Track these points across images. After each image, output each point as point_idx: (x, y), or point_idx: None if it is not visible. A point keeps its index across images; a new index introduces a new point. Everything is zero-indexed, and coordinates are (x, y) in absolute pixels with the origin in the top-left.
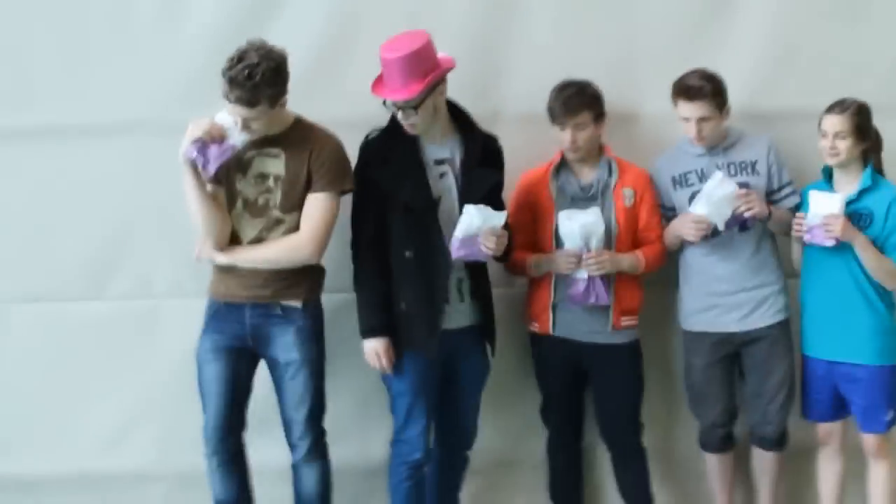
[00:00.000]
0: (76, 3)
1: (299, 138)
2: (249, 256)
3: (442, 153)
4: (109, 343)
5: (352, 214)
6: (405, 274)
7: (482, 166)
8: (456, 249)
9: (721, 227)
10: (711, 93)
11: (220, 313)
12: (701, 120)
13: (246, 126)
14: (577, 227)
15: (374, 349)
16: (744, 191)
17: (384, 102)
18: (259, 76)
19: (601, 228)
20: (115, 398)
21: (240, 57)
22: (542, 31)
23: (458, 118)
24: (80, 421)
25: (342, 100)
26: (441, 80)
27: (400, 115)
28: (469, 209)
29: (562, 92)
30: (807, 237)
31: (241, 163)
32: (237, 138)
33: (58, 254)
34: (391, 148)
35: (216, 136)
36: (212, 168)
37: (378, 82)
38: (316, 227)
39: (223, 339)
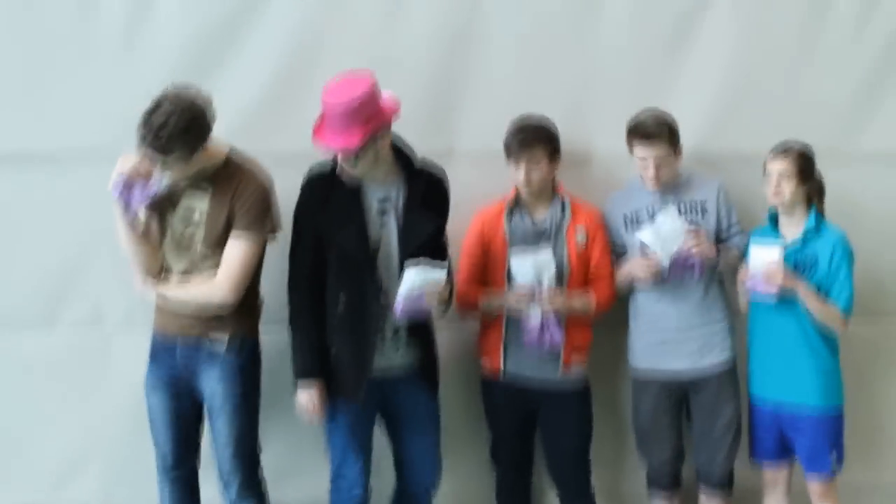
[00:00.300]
0: (35, 29)
1: (227, 177)
2: (173, 294)
3: (384, 193)
4: (60, 373)
5: (290, 252)
6: (337, 319)
7: (425, 207)
8: (400, 310)
9: (665, 261)
10: (668, 134)
11: (158, 346)
12: (657, 160)
13: (160, 173)
14: (529, 263)
15: (307, 395)
16: (693, 228)
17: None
18: (172, 126)
19: (553, 266)
20: (65, 430)
21: (155, 107)
22: (498, 68)
23: (402, 159)
24: (29, 454)
25: (300, 133)
26: (384, 128)
27: (340, 160)
28: (410, 272)
29: (518, 128)
30: (751, 288)
31: (173, 196)
32: (160, 182)
33: (10, 282)
34: (333, 190)
35: (143, 174)
36: (132, 209)
37: (320, 126)
38: (231, 270)
39: (161, 372)
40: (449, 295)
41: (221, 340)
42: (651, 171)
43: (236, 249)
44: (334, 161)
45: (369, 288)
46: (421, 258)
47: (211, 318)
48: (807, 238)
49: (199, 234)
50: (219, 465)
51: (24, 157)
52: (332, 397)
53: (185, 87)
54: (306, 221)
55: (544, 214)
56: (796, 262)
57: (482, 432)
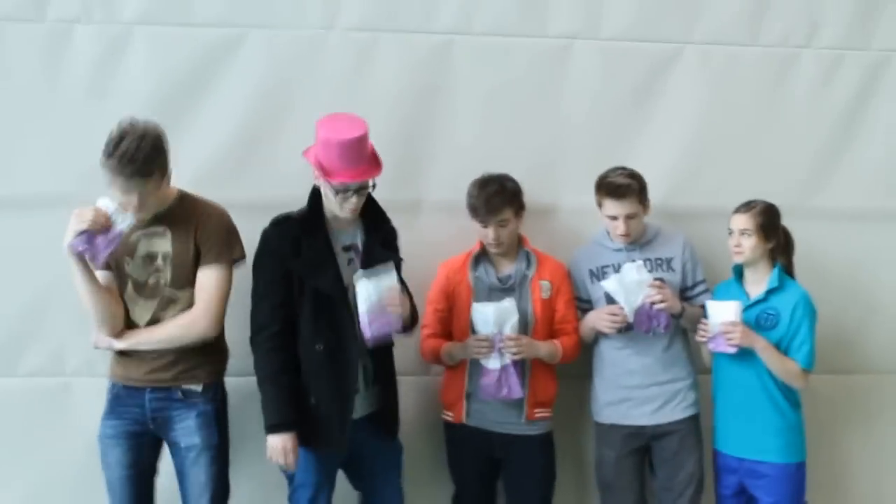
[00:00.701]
0: (1, 74)
1: (184, 214)
2: (146, 339)
3: (349, 239)
4: (18, 421)
5: (254, 303)
6: (316, 368)
7: (384, 251)
8: (368, 327)
9: (629, 314)
10: (638, 190)
11: (120, 397)
12: (628, 217)
13: (138, 204)
14: (490, 311)
15: (281, 446)
16: (657, 282)
17: (336, 186)
18: (145, 149)
19: (515, 316)
20: (21, 477)
21: (120, 136)
22: (465, 121)
23: (370, 205)
24: None
25: (266, 182)
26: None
27: (353, 199)
28: (361, 282)
29: (483, 189)
30: (710, 345)
31: (127, 245)
32: (123, 223)
33: None
34: (305, 236)
35: (102, 225)
36: (101, 258)
37: (329, 167)
38: (209, 301)
39: (123, 424)
40: (413, 315)
41: (196, 388)
42: (621, 228)
43: (210, 280)
44: (310, 208)
45: (348, 332)
46: (366, 270)
47: (184, 365)
48: (770, 294)
49: (165, 278)
50: None
51: None
52: (310, 446)
53: (132, 120)
54: (276, 266)
55: (509, 267)
56: (758, 318)
57: (446, 481)
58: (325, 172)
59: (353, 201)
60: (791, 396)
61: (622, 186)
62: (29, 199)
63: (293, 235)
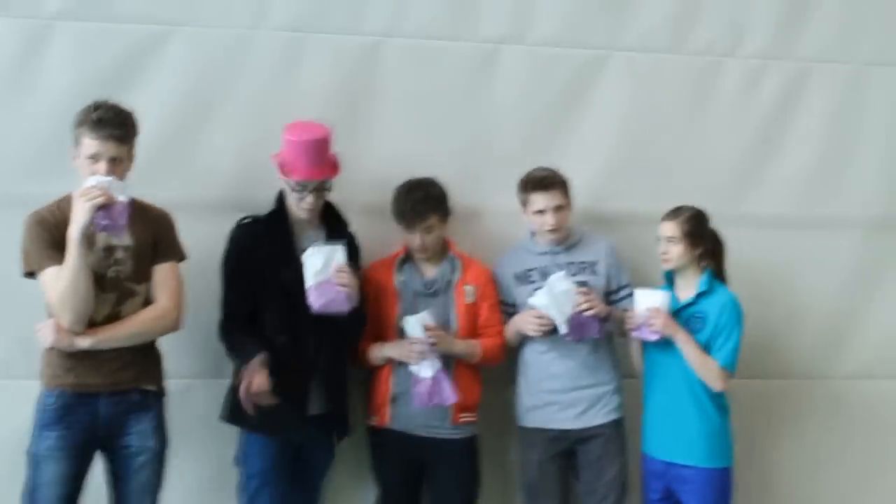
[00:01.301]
0: None
1: (137, 210)
2: (113, 335)
3: (310, 242)
4: None
5: (223, 296)
6: (277, 359)
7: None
8: (315, 299)
9: (561, 326)
10: (562, 181)
11: (69, 406)
12: (556, 209)
13: (123, 168)
14: (414, 321)
15: (259, 372)
16: (584, 288)
17: (293, 185)
18: (128, 115)
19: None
20: None
21: (97, 105)
22: (392, 124)
23: (329, 211)
24: None
25: (190, 181)
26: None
27: (308, 198)
28: (307, 252)
29: (409, 196)
30: (634, 333)
31: (86, 238)
32: (122, 194)
33: None
34: (271, 235)
35: (109, 199)
36: (123, 226)
37: (288, 165)
38: (174, 293)
39: (72, 435)
40: (362, 307)
41: (153, 388)
42: (551, 220)
43: (171, 274)
44: (276, 209)
45: (308, 327)
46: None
47: (140, 366)
48: (699, 297)
49: (126, 270)
50: None
51: None
52: (267, 432)
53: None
54: (241, 260)
55: (434, 272)
56: (686, 320)
57: (370, 484)
58: (285, 170)
59: (310, 200)
60: (718, 401)
61: (547, 177)
62: None
63: (258, 233)
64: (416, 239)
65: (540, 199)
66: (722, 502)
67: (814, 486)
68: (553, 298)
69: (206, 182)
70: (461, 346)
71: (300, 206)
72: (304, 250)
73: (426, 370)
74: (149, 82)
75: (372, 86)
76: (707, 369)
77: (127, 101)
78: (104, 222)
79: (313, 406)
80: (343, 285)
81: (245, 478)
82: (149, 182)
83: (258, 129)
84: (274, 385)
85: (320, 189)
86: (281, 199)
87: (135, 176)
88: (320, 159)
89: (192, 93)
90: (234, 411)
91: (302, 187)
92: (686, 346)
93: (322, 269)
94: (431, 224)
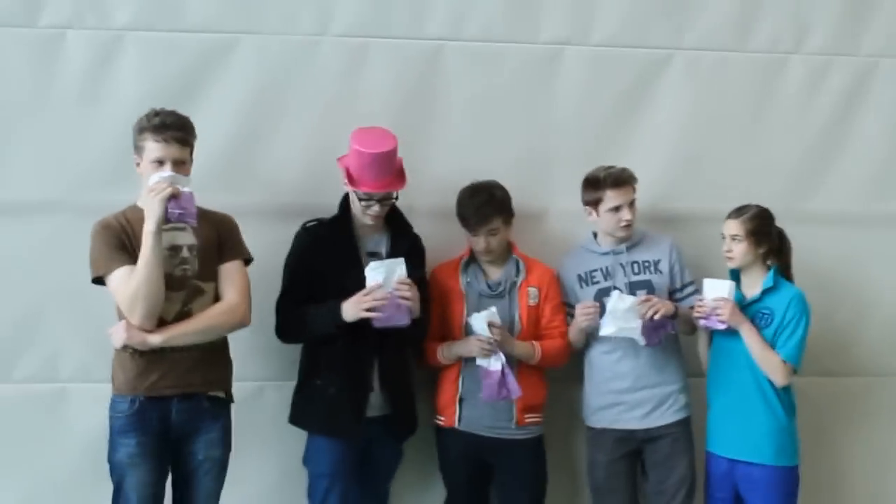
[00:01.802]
0: None
1: (200, 214)
2: (183, 330)
3: (374, 246)
4: (13, 428)
5: (282, 296)
6: (334, 360)
7: (408, 260)
8: (377, 314)
9: (641, 340)
10: (634, 177)
11: (143, 412)
12: (631, 204)
13: (185, 166)
14: (482, 319)
15: (354, 309)
16: (643, 297)
17: (360, 195)
18: (186, 119)
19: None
20: (16, 484)
21: (156, 111)
22: (455, 127)
23: (394, 215)
24: None
25: (259, 188)
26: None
27: (375, 208)
28: (368, 268)
29: (473, 199)
30: (702, 322)
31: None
32: (185, 186)
33: None
34: (334, 238)
35: (176, 190)
36: (194, 213)
37: (357, 176)
38: (243, 290)
39: (149, 441)
40: (423, 313)
41: (221, 395)
42: (628, 214)
43: (237, 271)
44: (340, 214)
45: (366, 330)
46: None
47: (207, 371)
48: (765, 294)
49: (193, 268)
50: None
51: None
52: (327, 434)
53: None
54: (306, 262)
55: (498, 274)
56: (753, 318)
57: (438, 485)
58: (352, 181)
59: (376, 209)
60: (785, 398)
61: (623, 173)
62: (22, 205)
63: (322, 236)
64: (480, 242)
65: (616, 196)
66: (788, 502)
67: (884, 485)
68: (618, 319)
69: (272, 189)
70: (521, 347)
71: (366, 214)
72: (368, 254)
73: (495, 364)
74: (216, 90)
75: (434, 89)
76: (770, 362)
77: (194, 110)
78: (177, 211)
79: (375, 408)
80: (405, 298)
81: (313, 478)
82: (216, 189)
83: (323, 135)
84: (336, 386)
85: (387, 199)
86: (345, 204)
87: (201, 183)
88: (388, 170)
89: (258, 100)
90: (299, 413)
91: (368, 197)
92: (750, 337)
93: (384, 284)
94: (495, 227)
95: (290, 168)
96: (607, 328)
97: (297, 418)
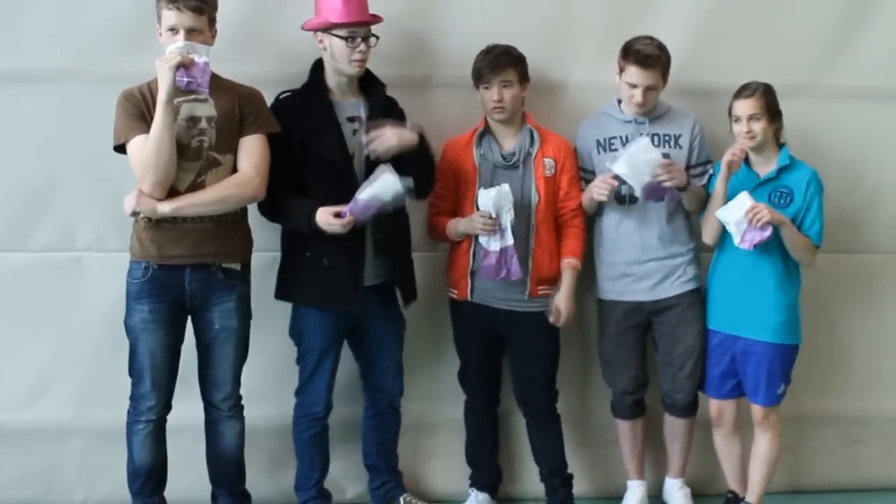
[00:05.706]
0: None
1: (222, 85)
2: (195, 200)
3: (352, 111)
4: (30, 295)
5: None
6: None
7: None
8: (358, 207)
9: (637, 191)
10: (664, 63)
11: (156, 278)
12: (648, 89)
13: (201, 37)
14: (492, 195)
15: (325, 220)
16: (668, 161)
17: (344, 35)
18: None
19: (510, 199)
20: (35, 351)
21: None
22: None
23: (367, 78)
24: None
25: (270, 58)
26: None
27: (361, 46)
28: (388, 176)
29: (488, 53)
30: (746, 244)
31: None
32: (201, 57)
33: None
34: (309, 104)
35: (186, 59)
36: (205, 85)
37: (336, 14)
38: (258, 163)
39: (163, 308)
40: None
41: (235, 267)
42: (638, 97)
43: (256, 144)
44: (310, 80)
45: (353, 195)
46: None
47: (221, 241)
48: (781, 172)
49: (210, 140)
50: (211, 389)
51: None
52: (322, 306)
53: None
54: (285, 134)
55: (513, 144)
56: (770, 196)
57: (452, 356)
58: (332, 21)
59: (363, 49)
60: (793, 276)
61: (651, 57)
62: (37, 73)
63: (302, 103)
64: (493, 93)
65: (636, 75)
66: (786, 377)
67: (887, 361)
68: (632, 166)
69: (286, 58)
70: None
71: (352, 60)
72: (347, 119)
73: (494, 244)
74: None
75: None
76: (802, 246)
77: None
78: (186, 79)
79: (370, 277)
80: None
81: (302, 350)
82: (228, 59)
83: None
84: (328, 257)
85: (368, 37)
86: (317, 69)
87: (216, 52)
88: (363, 5)
89: None
90: (287, 287)
91: (353, 35)
92: (787, 228)
93: (388, 194)
94: (510, 79)
95: (303, 37)
96: (619, 167)
97: (285, 292)
